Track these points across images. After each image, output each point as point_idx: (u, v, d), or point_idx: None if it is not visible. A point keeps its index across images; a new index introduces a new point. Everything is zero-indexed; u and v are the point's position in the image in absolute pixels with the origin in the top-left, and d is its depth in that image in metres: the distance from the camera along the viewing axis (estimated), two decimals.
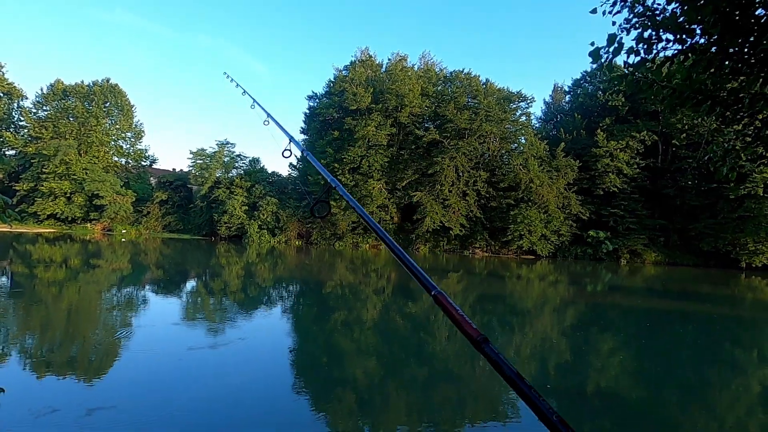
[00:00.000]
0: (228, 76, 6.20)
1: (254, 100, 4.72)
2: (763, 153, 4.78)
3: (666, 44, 4.15)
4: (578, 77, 63.35)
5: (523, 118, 57.06)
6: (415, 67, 59.89)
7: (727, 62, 3.99)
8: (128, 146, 73.80)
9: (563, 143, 51.97)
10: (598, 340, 16.85)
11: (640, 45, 4.22)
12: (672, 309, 24.29)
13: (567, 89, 66.66)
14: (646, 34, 4.15)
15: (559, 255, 49.99)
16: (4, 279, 24.27)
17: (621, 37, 4.21)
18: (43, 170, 61.83)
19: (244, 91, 5.51)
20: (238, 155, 62.49)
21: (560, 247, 49.91)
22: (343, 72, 58.81)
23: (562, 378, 12.68)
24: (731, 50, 3.93)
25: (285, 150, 3.24)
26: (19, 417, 7.66)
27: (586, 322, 20.51)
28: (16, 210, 59.44)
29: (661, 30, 4.04)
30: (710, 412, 10.44)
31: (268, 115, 4.19)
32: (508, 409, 10.21)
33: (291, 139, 3.40)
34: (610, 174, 48.71)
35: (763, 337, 18.90)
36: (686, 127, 47.54)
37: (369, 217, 2.15)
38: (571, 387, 11.88)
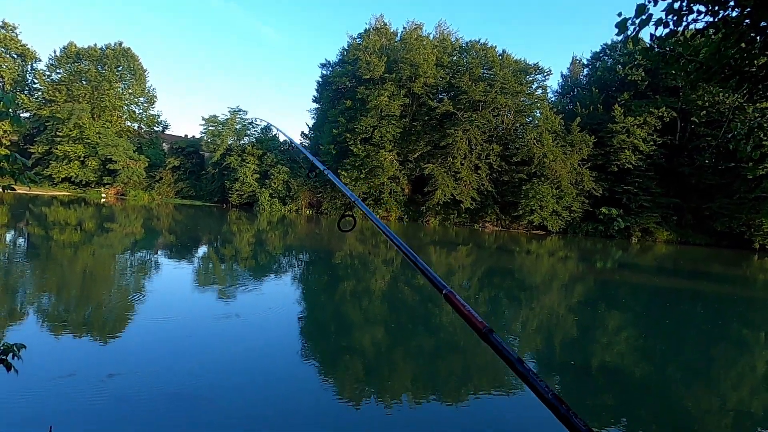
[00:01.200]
0: (261, 121, 6.18)
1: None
2: None
3: (697, 16, 3.98)
4: (597, 50, 61.77)
5: (539, 91, 55.94)
6: (431, 36, 58.58)
7: (758, 37, 3.83)
8: (141, 111, 73.77)
9: (579, 118, 50.98)
10: (605, 316, 16.89)
11: (670, 16, 4.06)
12: (682, 288, 24.20)
13: (585, 62, 65.03)
14: (676, 5, 3.99)
15: (569, 231, 49.71)
16: (21, 240, 24.77)
17: (649, 8, 4.04)
18: (57, 133, 62.18)
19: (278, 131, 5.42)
20: (250, 122, 62.30)
21: (571, 224, 49.58)
22: (357, 40, 57.73)
23: (568, 353, 12.78)
24: (763, 24, 3.76)
25: (310, 171, 3.55)
26: (37, 376, 7.92)
27: (594, 298, 20.53)
28: (32, 172, 60.22)
29: (692, 1, 3.87)
30: (713, 390, 10.50)
31: (293, 142, 4.17)
32: (513, 380, 10.34)
33: (314, 160, 3.98)
34: (626, 150, 47.84)
35: None
36: (707, 104, 46.27)
37: (386, 229, 2.46)
38: (576, 362, 11.99)
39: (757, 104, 4.80)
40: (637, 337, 14.42)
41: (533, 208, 47.97)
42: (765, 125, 4.59)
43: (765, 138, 4.70)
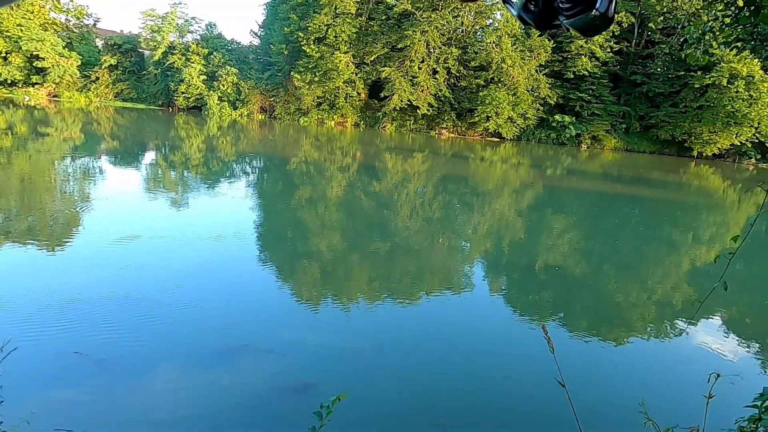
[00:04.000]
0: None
1: None
2: (738, 36, 4.69)
3: None
4: None
5: None
6: None
7: None
8: (67, 0, 66.08)
9: None
10: (551, 220, 17.79)
11: None
12: (623, 193, 25.59)
13: None
14: None
15: (523, 138, 50.58)
16: None
17: None
18: None
19: None
20: (193, 18, 57.25)
21: (525, 131, 50.33)
22: None
23: (515, 254, 13.55)
24: None
25: None
26: None
27: (542, 203, 21.45)
28: None
29: None
30: (642, 286, 11.53)
31: None
32: (463, 280, 10.98)
33: None
34: (583, 57, 47.76)
35: (700, 221, 20.39)
36: (665, 9, 46.19)
37: None
38: (522, 262, 12.77)
39: (714, 6, 4.76)
40: (579, 239, 15.37)
41: (489, 114, 48.05)
42: (716, 31, 4.61)
43: (715, 43, 4.74)
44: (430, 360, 6.74)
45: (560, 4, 0.52)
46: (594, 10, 0.50)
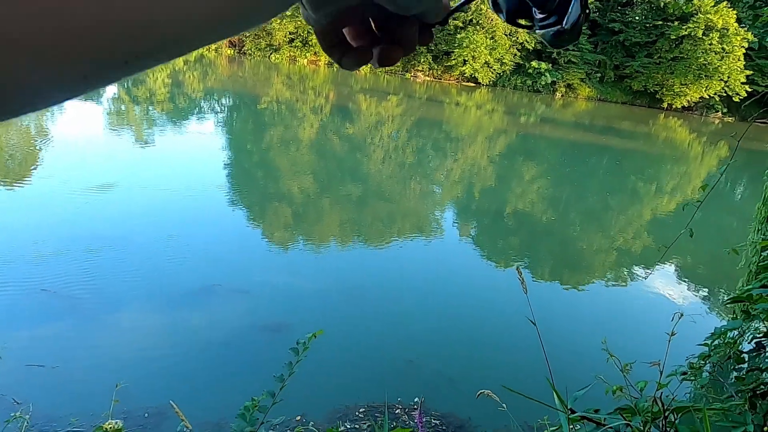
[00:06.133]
0: None
1: None
2: None
3: None
4: None
5: None
6: None
7: None
8: None
9: None
10: (522, 168, 18.01)
11: None
12: (593, 143, 25.97)
13: None
14: None
15: (499, 84, 50.11)
16: None
17: None
18: None
19: None
20: None
21: (501, 77, 49.82)
22: None
23: (485, 200, 13.76)
24: None
25: None
26: None
27: (514, 151, 21.62)
28: None
29: None
30: (604, 233, 11.96)
31: None
32: (433, 225, 11.15)
33: None
34: None
35: (664, 172, 21.00)
36: None
37: None
38: (491, 209, 13.00)
39: None
40: (548, 187, 15.67)
41: (466, 58, 47.20)
42: None
43: None
44: (401, 301, 6.93)
45: (534, 14, 0.50)
46: (562, 26, 0.48)
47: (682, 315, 1.21)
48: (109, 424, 1.79)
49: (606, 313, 7.69)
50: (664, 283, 8.81)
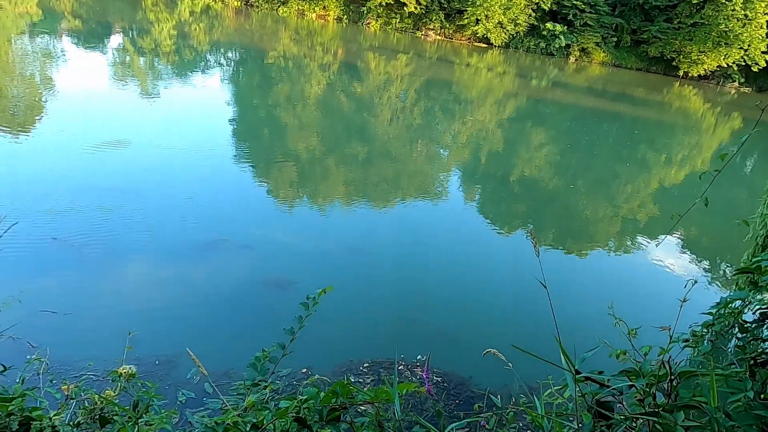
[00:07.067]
0: None
1: None
2: None
3: None
4: None
5: None
6: None
7: None
8: None
9: None
10: (531, 133, 17.77)
11: None
12: (605, 109, 25.49)
13: None
14: None
15: (511, 46, 48.77)
16: None
17: None
18: None
19: None
20: None
21: (514, 38, 48.41)
22: None
23: (491, 164, 13.66)
24: None
25: None
26: None
27: (524, 115, 21.28)
28: None
29: None
30: (610, 202, 11.91)
31: None
32: (439, 188, 11.12)
33: None
34: None
35: (675, 142, 20.70)
36: None
37: None
38: (497, 173, 12.92)
39: None
40: (556, 154, 15.51)
41: (479, 17, 45.75)
42: None
43: None
44: (404, 262, 7.00)
45: None
46: None
47: (696, 282, 1.22)
48: (123, 369, 1.85)
49: (610, 280, 7.77)
50: (670, 253, 8.85)
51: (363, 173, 11.13)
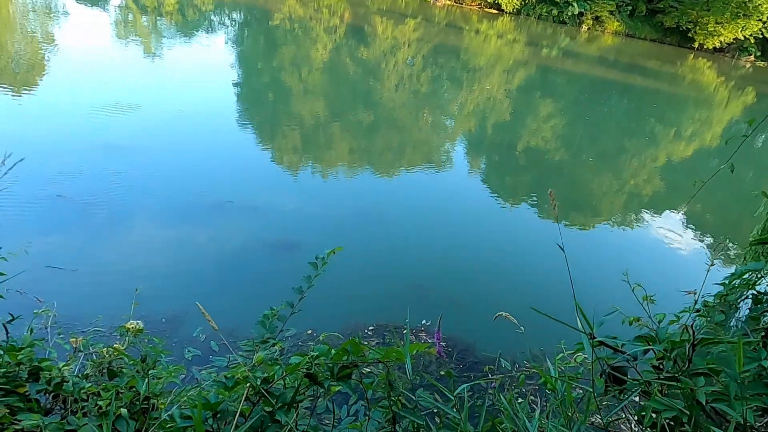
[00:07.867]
0: None
1: None
2: None
3: None
4: None
5: None
6: None
7: None
8: None
9: None
10: (539, 103, 17.48)
11: None
12: (616, 81, 24.99)
13: None
14: None
15: (523, 12, 47.55)
16: None
17: None
18: None
19: None
20: None
21: (526, 4, 47.15)
22: None
23: (498, 135, 13.49)
24: None
25: None
26: None
27: (533, 85, 20.89)
28: None
29: None
30: (616, 175, 11.79)
31: None
32: (443, 157, 11.01)
33: None
34: None
35: (686, 116, 20.35)
36: None
37: None
38: (503, 143, 12.77)
39: None
40: (564, 125, 15.29)
41: None
42: None
43: None
44: (408, 228, 7.00)
45: None
46: None
47: (725, 242, 1.19)
48: (131, 324, 1.86)
49: (620, 250, 7.74)
50: (681, 225, 8.82)
51: (368, 140, 11.02)
